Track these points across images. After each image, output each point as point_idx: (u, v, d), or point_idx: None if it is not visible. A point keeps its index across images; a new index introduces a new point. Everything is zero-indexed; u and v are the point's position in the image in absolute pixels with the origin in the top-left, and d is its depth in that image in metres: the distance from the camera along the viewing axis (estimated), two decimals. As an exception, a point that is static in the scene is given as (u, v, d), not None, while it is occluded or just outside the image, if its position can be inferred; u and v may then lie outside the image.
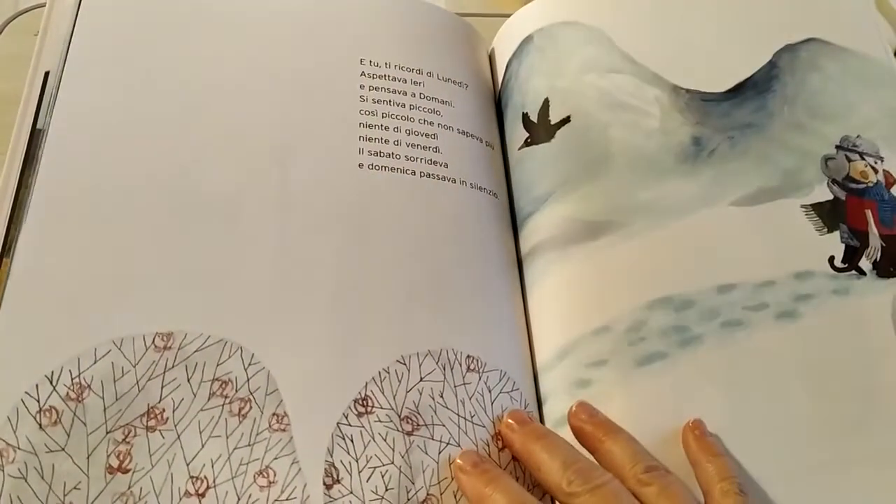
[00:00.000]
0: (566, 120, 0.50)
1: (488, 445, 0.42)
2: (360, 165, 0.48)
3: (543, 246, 0.47)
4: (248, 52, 0.50)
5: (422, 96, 0.51)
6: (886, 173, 0.50)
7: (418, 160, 0.49)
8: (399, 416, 0.41)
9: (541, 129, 0.51)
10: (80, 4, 0.50)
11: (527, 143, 0.51)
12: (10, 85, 0.51)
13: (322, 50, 0.51)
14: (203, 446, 0.39)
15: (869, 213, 0.48)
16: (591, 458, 0.41)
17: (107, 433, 0.38)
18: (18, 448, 0.37)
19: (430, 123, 0.50)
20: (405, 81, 0.51)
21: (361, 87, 0.50)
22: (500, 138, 0.54)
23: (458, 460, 0.40)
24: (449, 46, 0.55)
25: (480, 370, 0.43)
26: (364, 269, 0.44)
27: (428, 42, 0.54)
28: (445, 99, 0.52)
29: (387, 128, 0.49)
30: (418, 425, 0.41)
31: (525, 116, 0.52)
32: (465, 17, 0.60)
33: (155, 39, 0.49)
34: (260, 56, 0.50)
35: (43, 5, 0.55)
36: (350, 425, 0.40)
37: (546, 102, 0.51)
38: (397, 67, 0.52)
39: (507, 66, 0.55)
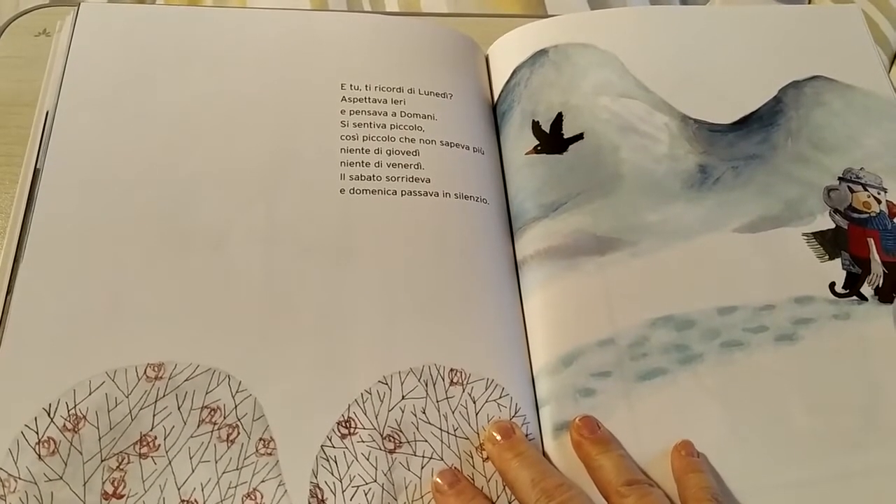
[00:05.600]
0: (579, 136, 0.51)
1: (472, 457, 0.42)
2: (342, 191, 0.47)
3: (551, 252, 0.47)
4: (233, 88, 0.50)
5: (403, 114, 0.51)
6: (890, 204, 0.50)
7: (400, 179, 0.48)
8: (381, 436, 0.41)
9: (553, 141, 0.51)
10: (70, 46, 0.50)
11: (536, 150, 0.51)
12: (11, 85, 0.52)
13: (304, 80, 0.51)
14: (193, 471, 0.40)
15: (871, 242, 0.48)
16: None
17: (102, 461, 0.39)
18: (19, 478, 0.38)
19: (412, 140, 0.50)
20: (386, 102, 0.51)
21: (342, 112, 0.50)
22: (497, 139, 0.53)
23: (437, 479, 0.41)
24: (432, 59, 0.54)
25: (464, 382, 0.43)
26: (347, 294, 0.44)
27: (408, 59, 0.53)
28: (428, 113, 0.51)
29: (368, 151, 0.49)
30: (400, 443, 0.41)
31: (536, 124, 0.51)
32: (463, 17, 0.59)
33: (143, 78, 0.50)
34: (244, 91, 0.50)
35: (44, 6, 0.56)
36: (334, 447, 0.41)
37: (560, 116, 0.51)
38: (377, 88, 0.52)
39: (514, 72, 0.54)
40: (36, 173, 0.46)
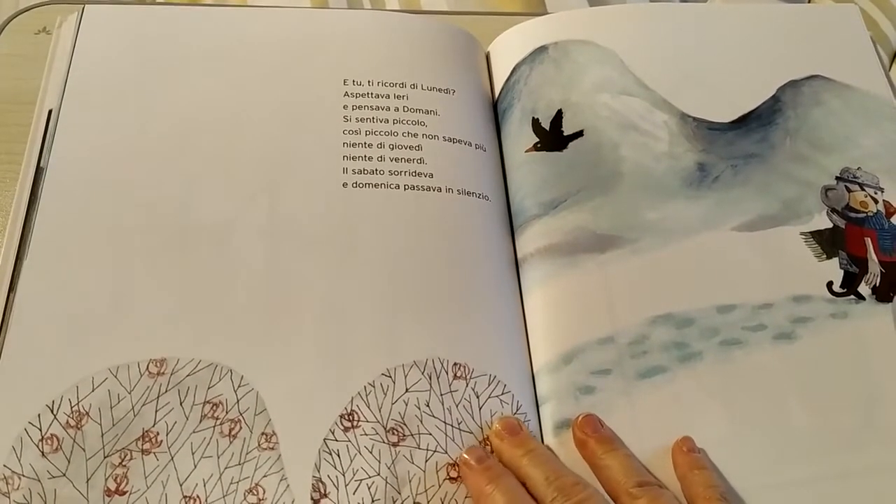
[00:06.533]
0: (579, 133, 0.50)
1: (475, 451, 0.41)
2: (345, 185, 0.47)
3: (551, 250, 0.46)
4: (236, 85, 0.50)
5: (405, 109, 0.50)
6: (886, 203, 0.49)
7: (402, 173, 0.48)
8: (385, 428, 0.41)
9: (553, 138, 0.50)
10: (75, 46, 0.51)
11: (536, 148, 0.50)
12: (10, 83, 0.52)
13: (306, 76, 0.51)
14: (195, 467, 0.39)
15: (868, 241, 0.48)
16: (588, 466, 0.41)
17: (104, 458, 0.39)
18: (23, 475, 0.38)
19: (415, 135, 0.49)
20: (388, 97, 0.51)
21: (345, 107, 0.50)
22: (497, 137, 0.53)
23: (465, 455, 0.40)
24: (434, 54, 0.53)
25: (468, 376, 0.43)
26: (350, 287, 0.44)
27: (411, 54, 0.53)
28: (430, 108, 0.51)
29: (370, 145, 0.49)
30: (404, 436, 0.41)
31: (536, 122, 0.51)
32: (464, 15, 0.58)
33: (147, 77, 0.50)
34: (248, 88, 0.50)
35: (44, 3, 0.56)
36: (336, 440, 0.40)
37: (560, 113, 0.51)
38: (380, 84, 0.51)
39: (514, 69, 0.54)
40: (39, 172, 0.46)
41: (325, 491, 0.39)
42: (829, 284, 0.46)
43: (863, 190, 0.49)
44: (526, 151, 0.50)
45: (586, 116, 0.51)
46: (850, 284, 0.46)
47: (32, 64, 0.51)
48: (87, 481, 0.38)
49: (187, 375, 0.41)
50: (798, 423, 0.42)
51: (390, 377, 0.42)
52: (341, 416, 0.41)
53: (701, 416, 0.42)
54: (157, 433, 0.39)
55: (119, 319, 0.42)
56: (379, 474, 0.40)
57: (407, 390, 0.42)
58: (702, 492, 0.39)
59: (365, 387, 0.41)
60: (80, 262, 0.43)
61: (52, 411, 0.39)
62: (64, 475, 0.38)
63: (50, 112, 0.48)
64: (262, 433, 0.40)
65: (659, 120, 0.51)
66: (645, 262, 0.46)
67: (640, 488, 0.38)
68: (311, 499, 0.39)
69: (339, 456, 0.40)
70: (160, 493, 0.38)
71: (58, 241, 0.44)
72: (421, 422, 0.41)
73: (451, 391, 0.42)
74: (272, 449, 0.40)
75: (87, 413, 0.39)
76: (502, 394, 0.43)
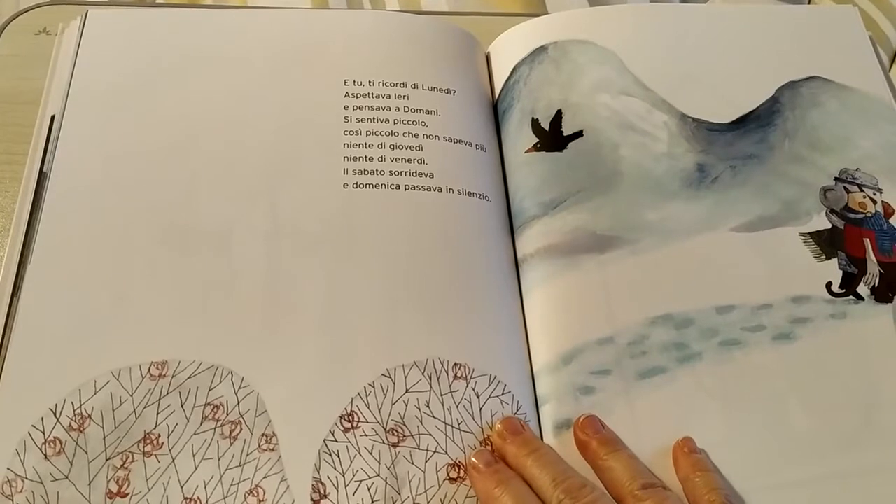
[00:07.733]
0: (579, 134, 0.50)
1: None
2: (345, 185, 0.47)
3: (551, 250, 0.46)
4: (236, 87, 0.50)
5: (406, 109, 0.50)
6: (885, 204, 0.49)
7: (403, 173, 0.47)
8: (385, 429, 0.40)
9: (552, 138, 0.50)
10: (77, 52, 0.50)
11: (536, 148, 0.50)
12: (10, 83, 0.52)
13: (307, 77, 0.51)
14: (196, 468, 0.39)
15: (867, 242, 0.47)
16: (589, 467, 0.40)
17: (106, 460, 0.38)
18: (26, 478, 0.38)
19: (415, 135, 0.49)
20: (389, 97, 0.50)
21: (346, 107, 0.50)
22: (497, 137, 0.52)
23: (473, 458, 0.40)
24: (434, 54, 0.53)
25: (468, 377, 0.42)
26: (351, 288, 0.44)
27: (412, 53, 0.53)
28: (431, 108, 0.50)
29: (371, 145, 0.48)
30: (404, 436, 0.40)
31: (536, 122, 0.50)
32: (464, 15, 0.58)
33: (149, 81, 0.50)
34: (249, 89, 0.50)
35: (45, 4, 0.56)
36: (336, 441, 0.40)
37: (559, 114, 0.50)
38: (381, 84, 0.51)
39: (513, 70, 0.53)
40: (42, 176, 0.46)
41: (324, 492, 0.39)
42: (828, 285, 0.46)
43: (861, 191, 0.49)
44: (526, 152, 0.50)
45: (586, 117, 0.50)
46: (848, 285, 0.46)
47: (33, 64, 0.51)
48: (90, 484, 0.38)
49: (188, 378, 0.40)
50: (797, 424, 0.42)
51: (390, 378, 0.41)
52: (341, 417, 0.40)
53: (700, 417, 0.42)
54: (159, 435, 0.39)
55: (121, 322, 0.42)
56: (379, 475, 0.39)
57: (407, 391, 0.41)
58: (705, 494, 0.38)
59: (365, 387, 0.41)
60: (82, 265, 0.43)
61: (54, 414, 0.39)
62: (66, 478, 0.38)
63: (53, 117, 0.48)
64: (263, 434, 0.40)
65: (658, 120, 0.51)
66: (644, 262, 0.46)
67: (644, 490, 0.38)
68: (311, 500, 0.38)
69: (338, 457, 0.39)
70: (161, 495, 0.38)
71: (61, 245, 0.44)
72: (421, 422, 0.41)
73: (451, 391, 0.42)
74: (272, 450, 0.39)
75: (90, 416, 0.39)
76: (502, 394, 0.42)
